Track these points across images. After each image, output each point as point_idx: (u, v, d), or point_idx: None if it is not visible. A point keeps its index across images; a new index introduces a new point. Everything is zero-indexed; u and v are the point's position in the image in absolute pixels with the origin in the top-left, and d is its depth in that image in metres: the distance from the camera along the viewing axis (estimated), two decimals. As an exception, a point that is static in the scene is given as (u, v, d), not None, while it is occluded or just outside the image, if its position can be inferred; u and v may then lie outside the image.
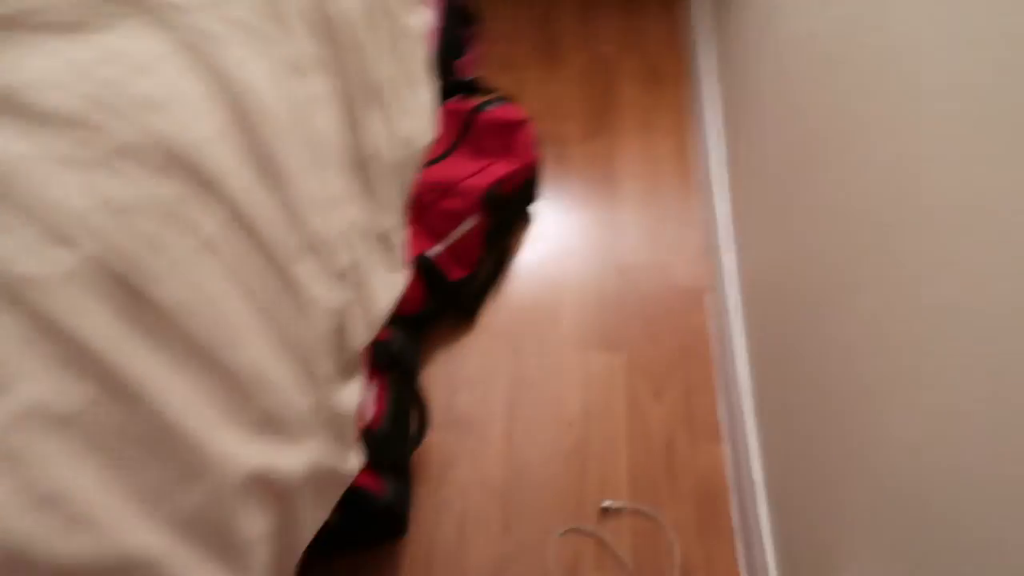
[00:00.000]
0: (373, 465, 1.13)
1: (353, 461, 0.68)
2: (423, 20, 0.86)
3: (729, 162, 1.50)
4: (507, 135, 1.37)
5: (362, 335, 0.70)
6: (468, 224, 1.33)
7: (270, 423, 0.52)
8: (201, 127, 0.52)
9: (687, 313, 1.47)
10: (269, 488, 0.50)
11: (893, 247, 0.83)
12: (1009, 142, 0.62)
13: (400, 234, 0.83)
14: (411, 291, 1.30)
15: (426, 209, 1.31)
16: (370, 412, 1.16)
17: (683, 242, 1.55)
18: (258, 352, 0.52)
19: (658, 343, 1.43)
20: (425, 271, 1.29)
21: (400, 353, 1.24)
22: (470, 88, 1.52)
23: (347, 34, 0.69)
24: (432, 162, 1.36)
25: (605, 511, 1.26)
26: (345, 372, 0.68)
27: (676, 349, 1.43)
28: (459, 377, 1.37)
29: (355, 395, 0.69)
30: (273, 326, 0.54)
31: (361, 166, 0.72)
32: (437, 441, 1.30)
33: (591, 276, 1.50)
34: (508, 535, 1.23)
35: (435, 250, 1.32)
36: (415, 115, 0.85)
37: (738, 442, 1.28)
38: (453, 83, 1.51)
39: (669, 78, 1.79)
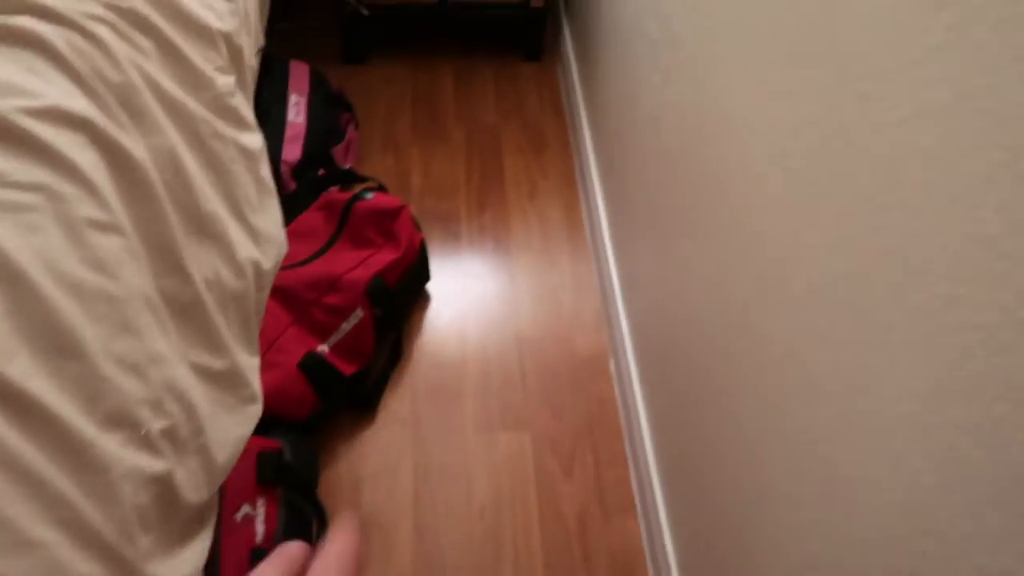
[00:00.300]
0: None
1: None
2: (257, 140, 0.83)
3: (612, 227, 1.51)
4: (386, 223, 1.34)
5: (201, 489, 0.66)
6: (355, 318, 1.29)
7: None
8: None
9: (590, 383, 1.45)
10: None
11: (756, 320, 0.82)
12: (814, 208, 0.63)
13: (249, 363, 0.79)
14: (301, 393, 1.25)
15: (309, 307, 1.27)
16: (260, 533, 1.11)
17: (581, 310, 1.55)
18: (47, 553, 0.48)
19: (564, 417, 1.41)
20: (313, 371, 1.25)
21: (292, 463, 1.19)
22: (346, 178, 1.49)
23: (157, 175, 0.66)
24: (312, 257, 1.32)
25: (522, 601, 1.22)
26: (182, 534, 0.63)
27: (582, 421, 1.41)
28: (362, 473, 1.32)
29: (194, 556, 0.64)
30: (66, 518, 0.49)
31: (191, 307, 0.69)
32: (342, 546, 1.25)
33: (492, 353, 1.47)
34: (423, 640, 1.18)
35: (322, 348, 1.27)
36: (257, 237, 0.81)
37: (650, 515, 1.26)
38: (330, 174, 1.49)
39: (553, 143, 1.80)
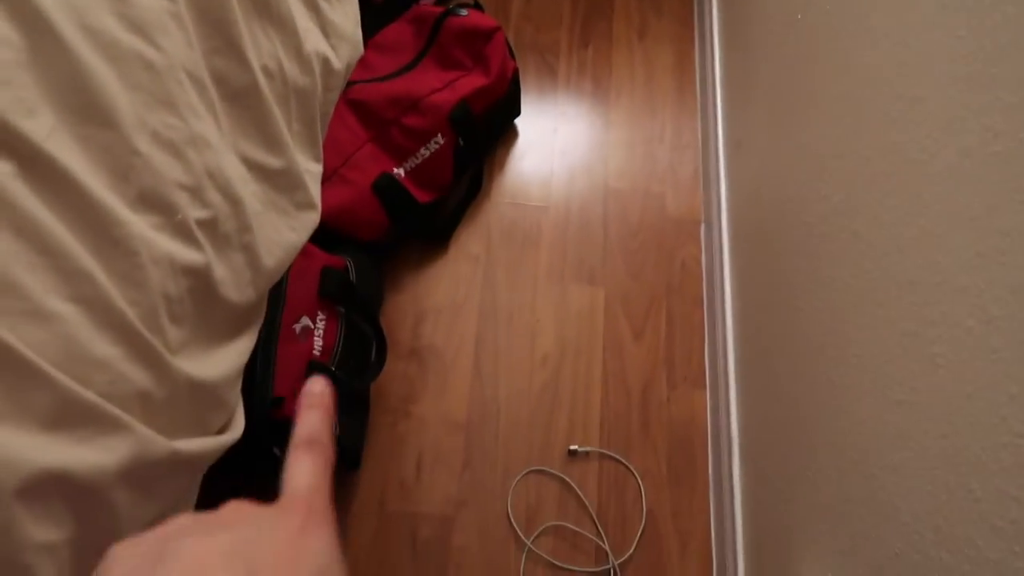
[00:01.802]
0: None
1: (230, 432, 0.60)
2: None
3: (727, 80, 1.36)
4: (478, 45, 1.23)
5: (246, 289, 0.61)
6: (435, 144, 1.21)
7: (69, 414, 0.44)
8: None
9: (676, 246, 1.36)
10: (61, 490, 0.42)
11: (870, 210, 0.71)
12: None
13: (310, 167, 0.73)
14: (372, 215, 1.21)
15: (388, 126, 1.20)
16: (318, 346, 1.10)
17: (677, 167, 1.43)
18: (62, 328, 0.44)
19: (642, 278, 1.33)
20: (387, 193, 1.19)
21: (355, 283, 1.16)
22: (443, -11, 1.37)
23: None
24: (396, 73, 1.23)
25: (572, 454, 1.20)
26: (221, 333, 0.60)
27: (661, 286, 1.33)
28: (426, 305, 1.30)
29: (233, 357, 0.61)
30: (86, 295, 0.45)
31: (245, 94, 0.62)
32: (399, 371, 1.24)
33: (575, 201, 1.39)
34: (469, 472, 1.18)
35: (398, 171, 1.21)
36: (329, 32, 0.73)
37: (719, 391, 1.19)
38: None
39: (676, -21, 1.62)
